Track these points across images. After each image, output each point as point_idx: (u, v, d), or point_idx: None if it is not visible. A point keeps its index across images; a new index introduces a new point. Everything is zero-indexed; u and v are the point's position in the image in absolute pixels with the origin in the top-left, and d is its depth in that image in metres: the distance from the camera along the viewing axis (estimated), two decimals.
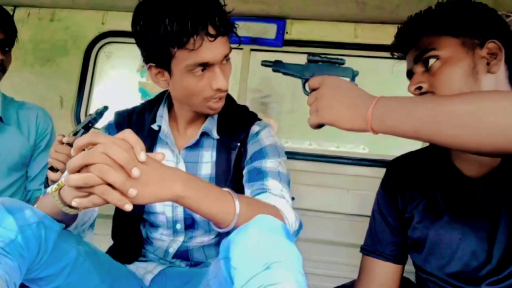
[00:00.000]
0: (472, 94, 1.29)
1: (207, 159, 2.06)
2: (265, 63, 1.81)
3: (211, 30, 1.73)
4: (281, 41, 3.12)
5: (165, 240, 2.11)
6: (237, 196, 1.56)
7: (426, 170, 1.85)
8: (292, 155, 2.84)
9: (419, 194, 1.82)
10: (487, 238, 1.59)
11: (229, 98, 2.16)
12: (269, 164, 1.94)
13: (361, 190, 2.92)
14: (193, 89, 1.84)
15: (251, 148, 2.02)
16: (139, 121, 2.14)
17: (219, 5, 1.77)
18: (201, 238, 2.09)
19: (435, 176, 1.80)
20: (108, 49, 3.56)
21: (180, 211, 2.03)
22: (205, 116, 2.06)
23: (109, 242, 2.18)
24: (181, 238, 2.09)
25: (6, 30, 2.44)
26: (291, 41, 3.16)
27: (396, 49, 1.93)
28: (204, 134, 2.06)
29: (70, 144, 2.00)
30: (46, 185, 2.15)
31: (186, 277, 2.01)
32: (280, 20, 3.13)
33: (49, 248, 1.53)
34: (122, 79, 3.91)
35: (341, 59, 1.69)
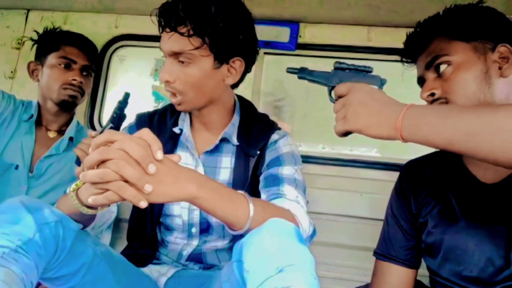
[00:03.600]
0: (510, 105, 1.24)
1: (226, 164, 2.09)
2: (290, 70, 1.80)
3: (167, 23, 1.82)
4: (295, 45, 3.11)
5: (179, 243, 2.11)
6: (251, 199, 1.57)
7: (440, 174, 1.84)
8: (305, 158, 2.83)
9: (434, 198, 1.81)
10: (504, 244, 1.58)
11: (250, 105, 2.24)
12: (285, 171, 1.97)
13: (375, 194, 2.90)
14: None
15: (269, 156, 2.05)
16: (160, 123, 2.17)
17: (189, 4, 1.79)
18: (215, 243, 2.10)
19: (449, 180, 1.79)
20: (121, 53, 3.56)
21: (196, 214, 2.04)
22: (226, 122, 2.09)
23: (122, 244, 2.18)
24: (195, 242, 2.09)
25: (90, 58, 2.83)
26: (304, 44, 3.15)
27: (406, 55, 1.93)
28: (224, 140, 2.08)
29: None
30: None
31: (199, 279, 2.02)
32: (293, 24, 3.12)
33: (66, 248, 1.55)
34: (135, 83, 3.91)
35: (369, 67, 1.68)
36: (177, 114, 2.16)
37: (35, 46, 2.85)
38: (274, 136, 2.12)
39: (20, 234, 1.40)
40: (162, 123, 2.17)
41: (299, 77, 1.77)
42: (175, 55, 1.85)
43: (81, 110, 3.34)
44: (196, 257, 2.13)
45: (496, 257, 1.59)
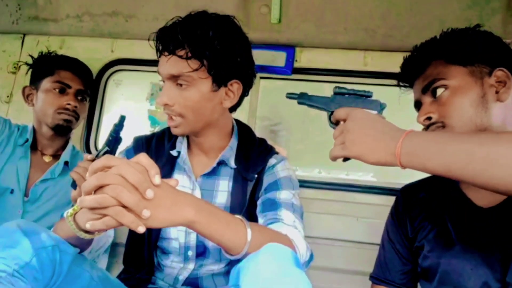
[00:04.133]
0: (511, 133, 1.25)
1: (223, 188, 2.09)
2: (290, 96, 1.81)
3: (165, 47, 1.87)
4: (291, 69, 3.11)
5: (175, 267, 2.10)
6: (249, 224, 1.56)
7: (436, 198, 1.84)
8: (301, 183, 2.82)
9: (430, 222, 1.81)
10: (500, 268, 1.57)
11: (248, 130, 2.25)
12: (283, 195, 1.97)
13: (371, 218, 2.90)
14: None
15: (267, 180, 2.05)
16: (158, 146, 2.18)
17: (187, 28, 1.84)
18: (211, 266, 2.09)
19: (446, 205, 1.79)
20: (117, 77, 3.57)
21: (193, 238, 2.03)
22: (224, 145, 2.10)
23: (118, 268, 2.18)
24: (191, 266, 2.08)
25: (85, 83, 2.86)
26: (300, 69, 3.15)
27: (403, 79, 1.93)
28: (222, 163, 2.08)
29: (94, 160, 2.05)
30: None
31: None
32: (289, 48, 3.13)
33: (63, 272, 1.55)
34: (131, 107, 3.91)
35: (368, 92, 1.68)
36: (174, 137, 2.17)
37: (31, 70, 2.86)
38: (272, 161, 2.12)
39: (17, 258, 1.40)
40: (160, 146, 2.18)
41: (299, 102, 1.78)
42: (174, 78, 1.86)
43: (77, 135, 3.34)
44: (193, 282, 2.11)
45: (492, 281, 1.58)
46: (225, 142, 2.13)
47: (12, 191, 2.60)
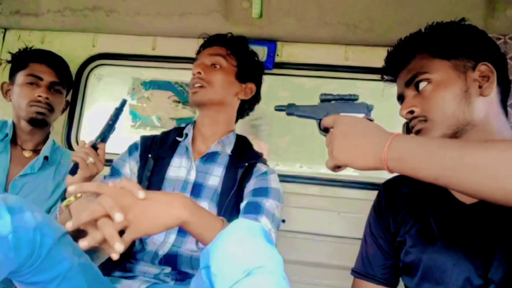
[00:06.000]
0: (501, 142, 1.24)
1: (217, 173, 2.35)
2: (278, 108, 1.84)
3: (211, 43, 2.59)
4: (272, 64, 3.10)
5: (155, 242, 2.16)
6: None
7: (418, 193, 1.84)
8: (283, 177, 2.83)
9: (412, 218, 1.81)
10: (482, 265, 1.57)
11: (245, 138, 2.66)
12: (268, 203, 2.13)
13: (352, 213, 2.90)
14: None
15: (258, 183, 2.26)
16: (163, 137, 2.53)
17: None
18: (191, 245, 2.16)
19: (428, 200, 1.79)
20: (98, 72, 3.55)
21: None
22: (222, 134, 2.49)
23: None
24: (171, 239, 2.16)
25: (60, 74, 2.86)
26: (282, 63, 3.15)
27: (387, 72, 1.93)
28: (218, 151, 2.44)
29: (93, 146, 2.23)
30: (64, 198, 2.27)
31: None
32: (270, 43, 3.12)
33: (42, 255, 1.55)
34: (113, 102, 3.92)
35: (354, 95, 1.69)
36: (182, 128, 2.57)
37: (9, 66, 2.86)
38: (263, 167, 2.38)
39: None
40: (165, 136, 2.52)
41: (288, 114, 1.81)
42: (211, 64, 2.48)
43: (58, 129, 3.32)
44: (171, 260, 2.16)
45: (474, 277, 1.58)
46: (225, 135, 2.48)
47: None
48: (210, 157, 2.41)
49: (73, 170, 2.14)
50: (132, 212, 1.44)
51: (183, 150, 2.43)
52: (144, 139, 2.51)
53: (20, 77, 2.74)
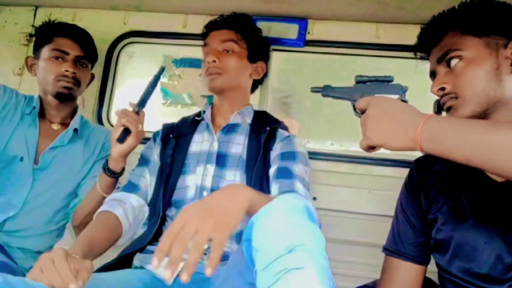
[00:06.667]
0: None
1: (239, 141, 2.40)
2: (314, 90, 1.86)
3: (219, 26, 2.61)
4: (303, 41, 3.11)
5: None
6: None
7: (450, 171, 1.83)
8: (313, 155, 2.83)
9: (444, 195, 1.81)
10: None
11: (263, 111, 2.74)
12: (298, 168, 2.17)
13: (383, 191, 2.90)
14: None
15: (284, 147, 2.29)
16: (183, 120, 2.62)
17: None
18: None
19: (459, 177, 1.78)
20: (129, 49, 3.59)
21: (209, 180, 2.24)
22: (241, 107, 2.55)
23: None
24: None
25: (85, 49, 2.82)
26: (312, 41, 3.16)
27: (420, 49, 1.93)
28: (238, 124, 2.50)
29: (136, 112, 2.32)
30: (106, 169, 2.40)
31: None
32: (301, 20, 3.13)
33: None
34: (144, 79, 3.94)
35: (389, 77, 1.70)
36: (199, 112, 2.60)
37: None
38: (285, 132, 2.43)
39: None
40: (185, 120, 2.61)
41: (323, 95, 1.83)
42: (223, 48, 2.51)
43: (89, 107, 3.37)
44: None
45: (505, 254, 1.58)
46: (243, 107, 2.56)
47: (21, 159, 2.60)
48: (231, 128, 2.47)
49: (123, 137, 2.18)
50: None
51: (203, 128, 2.50)
52: (165, 125, 2.60)
53: (46, 51, 2.73)
